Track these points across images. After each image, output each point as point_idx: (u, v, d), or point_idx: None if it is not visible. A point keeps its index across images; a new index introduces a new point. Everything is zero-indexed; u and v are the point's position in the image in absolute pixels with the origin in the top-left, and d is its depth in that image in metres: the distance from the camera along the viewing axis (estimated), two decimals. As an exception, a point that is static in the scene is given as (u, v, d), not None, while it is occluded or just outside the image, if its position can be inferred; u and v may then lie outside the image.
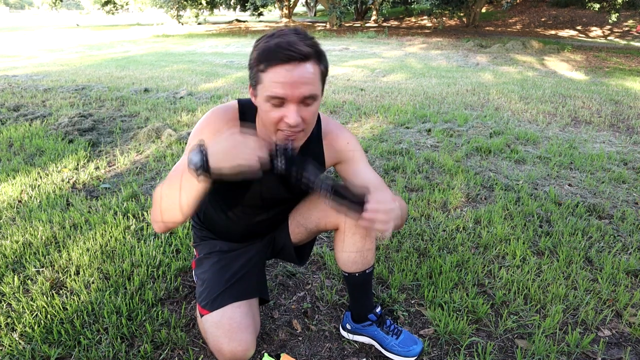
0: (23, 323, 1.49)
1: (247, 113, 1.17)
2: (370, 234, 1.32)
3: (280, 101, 0.98)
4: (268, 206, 1.30)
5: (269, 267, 1.89)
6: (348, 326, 1.48)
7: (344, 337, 1.51)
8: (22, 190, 2.54)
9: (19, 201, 2.43)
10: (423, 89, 5.93)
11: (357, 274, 1.36)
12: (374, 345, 1.46)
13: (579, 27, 18.70)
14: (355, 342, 1.49)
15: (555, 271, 1.87)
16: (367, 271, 1.37)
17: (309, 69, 0.98)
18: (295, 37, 0.97)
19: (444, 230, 2.21)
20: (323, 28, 19.21)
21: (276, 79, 0.96)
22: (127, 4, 27.12)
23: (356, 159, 1.28)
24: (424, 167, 3.04)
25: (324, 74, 1.04)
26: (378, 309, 1.45)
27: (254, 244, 1.42)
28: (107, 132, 3.77)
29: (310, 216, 1.34)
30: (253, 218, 1.31)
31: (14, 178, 2.70)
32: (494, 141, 3.58)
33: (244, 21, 26.36)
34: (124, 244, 1.98)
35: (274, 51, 0.95)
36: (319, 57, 1.01)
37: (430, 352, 1.44)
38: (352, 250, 1.32)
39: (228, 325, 1.20)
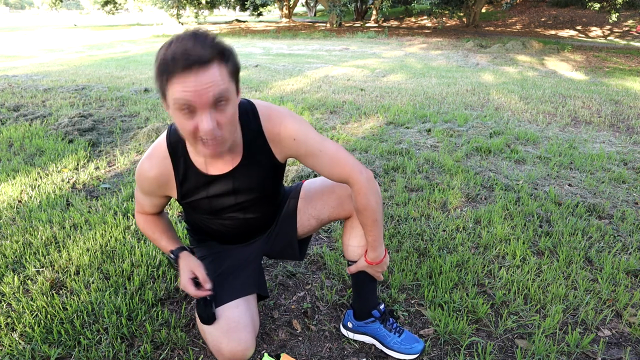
0: (23, 323, 1.49)
1: (176, 141, 1.14)
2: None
3: (190, 109, 0.94)
4: (245, 206, 1.26)
5: (269, 267, 1.89)
6: (350, 324, 1.48)
7: (344, 336, 1.51)
8: (22, 190, 2.54)
9: (19, 201, 2.43)
10: (423, 89, 5.93)
11: None
12: (374, 345, 1.46)
13: (579, 27, 18.70)
14: (356, 341, 1.49)
15: (555, 271, 1.87)
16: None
17: (214, 71, 0.92)
18: (192, 41, 0.91)
19: (444, 230, 2.21)
20: (323, 28, 19.21)
21: (180, 88, 0.91)
22: (125, 2, 27.06)
23: (310, 153, 1.17)
24: (424, 167, 3.04)
25: (233, 73, 0.98)
26: (382, 306, 1.45)
27: (252, 243, 1.41)
28: (107, 132, 3.77)
29: (325, 206, 1.34)
30: (238, 219, 1.29)
31: (14, 178, 2.70)
32: (494, 141, 3.58)
33: (244, 21, 26.36)
34: (124, 244, 1.98)
35: (172, 61, 0.90)
36: (223, 56, 0.94)
37: (430, 352, 1.44)
38: (362, 238, 1.33)
39: (226, 326, 1.20)
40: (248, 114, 1.15)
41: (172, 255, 1.27)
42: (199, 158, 1.14)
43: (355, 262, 1.37)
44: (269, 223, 1.39)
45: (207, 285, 1.19)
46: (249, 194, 1.23)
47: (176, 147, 1.14)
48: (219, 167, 1.16)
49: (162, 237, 1.31)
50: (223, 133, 0.99)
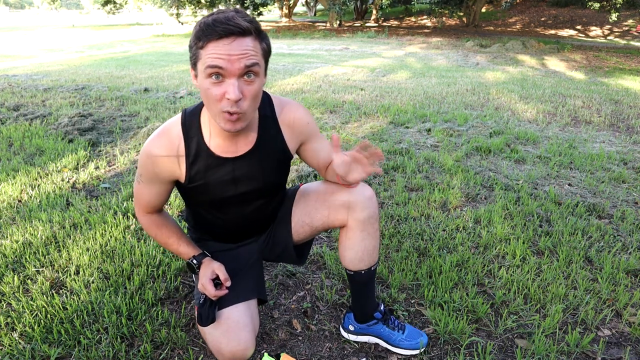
0: (23, 323, 1.49)
1: (191, 122, 1.15)
2: (376, 231, 1.32)
3: (219, 74, 0.97)
4: (248, 199, 1.26)
5: (269, 267, 1.89)
6: (351, 327, 1.47)
7: (345, 338, 1.50)
8: (22, 190, 2.54)
9: (19, 201, 2.43)
10: (423, 89, 5.93)
11: (363, 272, 1.36)
12: (375, 344, 1.46)
13: (578, 27, 18.71)
14: (356, 342, 1.49)
15: (555, 271, 1.87)
16: (372, 268, 1.37)
17: (249, 43, 0.97)
18: (234, 13, 0.97)
19: (444, 230, 2.21)
20: (323, 27, 19.20)
21: (215, 51, 0.95)
22: (126, 3, 27.03)
23: (316, 136, 1.28)
24: (424, 167, 3.04)
25: (266, 52, 1.03)
26: (382, 307, 1.45)
27: (250, 244, 1.41)
28: (107, 131, 3.77)
29: (317, 214, 1.33)
30: (239, 212, 1.29)
31: (14, 178, 2.70)
32: (494, 141, 3.58)
33: (244, 21, 26.29)
34: (124, 244, 1.98)
35: (212, 26, 0.95)
36: (260, 34, 1.01)
37: (430, 352, 1.44)
38: (359, 247, 1.32)
39: (226, 326, 1.20)
40: (263, 101, 1.19)
41: (194, 262, 1.28)
42: (213, 140, 1.15)
43: (355, 271, 1.36)
44: (268, 221, 1.39)
45: (228, 283, 1.22)
46: (254, 182, 1.23)
47: (190, 127, 1.14)
48: (232, 150, 1.16)
49: (179, 243, 1.30)
50: (246, 106, 1.01)
